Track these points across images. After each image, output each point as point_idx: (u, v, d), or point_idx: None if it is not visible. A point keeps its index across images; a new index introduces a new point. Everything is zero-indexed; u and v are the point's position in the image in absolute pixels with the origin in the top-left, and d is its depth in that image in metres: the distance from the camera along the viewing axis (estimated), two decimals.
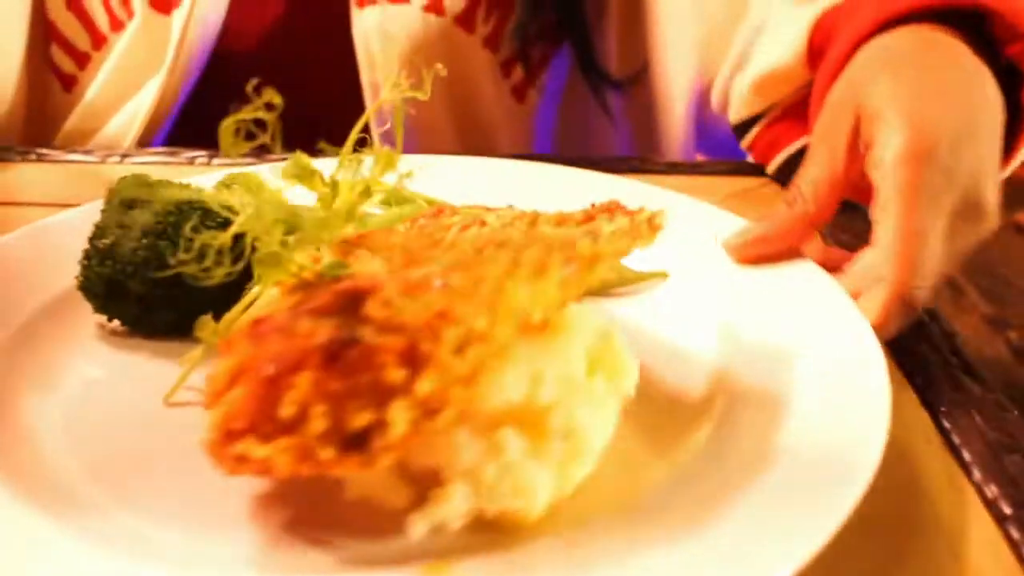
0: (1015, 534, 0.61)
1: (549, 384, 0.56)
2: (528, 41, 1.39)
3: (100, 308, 0.78)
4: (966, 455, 0.68)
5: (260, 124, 0.55)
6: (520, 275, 0.52)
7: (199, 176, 0.90)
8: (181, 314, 0.74)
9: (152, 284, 0.74)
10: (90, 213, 0.82)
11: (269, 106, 0.56)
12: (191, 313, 0.72)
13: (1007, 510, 0.63)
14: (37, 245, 0.87)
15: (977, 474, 0.66)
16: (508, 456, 0.53)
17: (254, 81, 0.55)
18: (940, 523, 0.62)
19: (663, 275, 0.87)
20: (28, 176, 1.21)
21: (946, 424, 0.71)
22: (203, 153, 1.25)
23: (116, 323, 0.80)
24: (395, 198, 0.89)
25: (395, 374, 0.49)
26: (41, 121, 1.44)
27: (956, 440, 0.69)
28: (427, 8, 1.29)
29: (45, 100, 1.43)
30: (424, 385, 0.49)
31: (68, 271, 0.80)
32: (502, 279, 0.52)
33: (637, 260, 0.84)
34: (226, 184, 0.86)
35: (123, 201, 0.78)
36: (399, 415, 0.49)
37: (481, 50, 1.34)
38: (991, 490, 0.64)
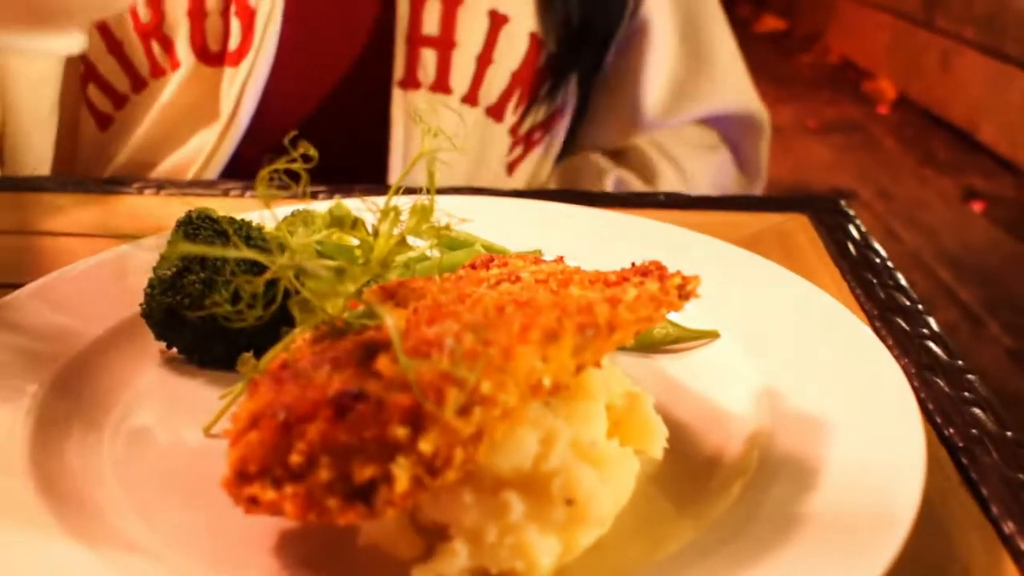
0: None
1: (561, 448, 0.56)
2: (541, 123, 1.59)
3: (160, 335, 0.82)
4: (984, 491, 0.68)
5: (292, 175, 0.57)
6: (531, 339, 0.53)
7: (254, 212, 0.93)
8: (232, 347, 0.77)
9: (206, 316, 0.77)
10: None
11: (306, 158, 0.58)
12: (240, 346, 0.75)
13: None
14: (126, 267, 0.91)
15: (995, 510, 0.66)
16: (510, 518, 0.54)
17: (292, 133, 0.58)
18: (957, 558, 0.62)
19: (715, 334, 0.86)
20: (65, 207, 1.21)
21: (964, 460, 0.71)
22: (237, 185, 1.29)
23: (175, 350, 0.83)
24: (453, 242, 0.91)
25: (399, 431, 0.50)
26: (67, 155, 1.51)
27: (974, 476, 0.69)
28: (464, 100, 1.48)
29: (75, 136, 1.50)
30: (426, 444, 0.50)
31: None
32: (513, 343, 0.52)
33: (690, 314, 0.84)
34: (290, 221, 0.89)
35: (187, 234, 0.81)
36: (402, 471, 0.50)
37: (505, 136, 1.55)
38: (1008, 526, 0.65)
